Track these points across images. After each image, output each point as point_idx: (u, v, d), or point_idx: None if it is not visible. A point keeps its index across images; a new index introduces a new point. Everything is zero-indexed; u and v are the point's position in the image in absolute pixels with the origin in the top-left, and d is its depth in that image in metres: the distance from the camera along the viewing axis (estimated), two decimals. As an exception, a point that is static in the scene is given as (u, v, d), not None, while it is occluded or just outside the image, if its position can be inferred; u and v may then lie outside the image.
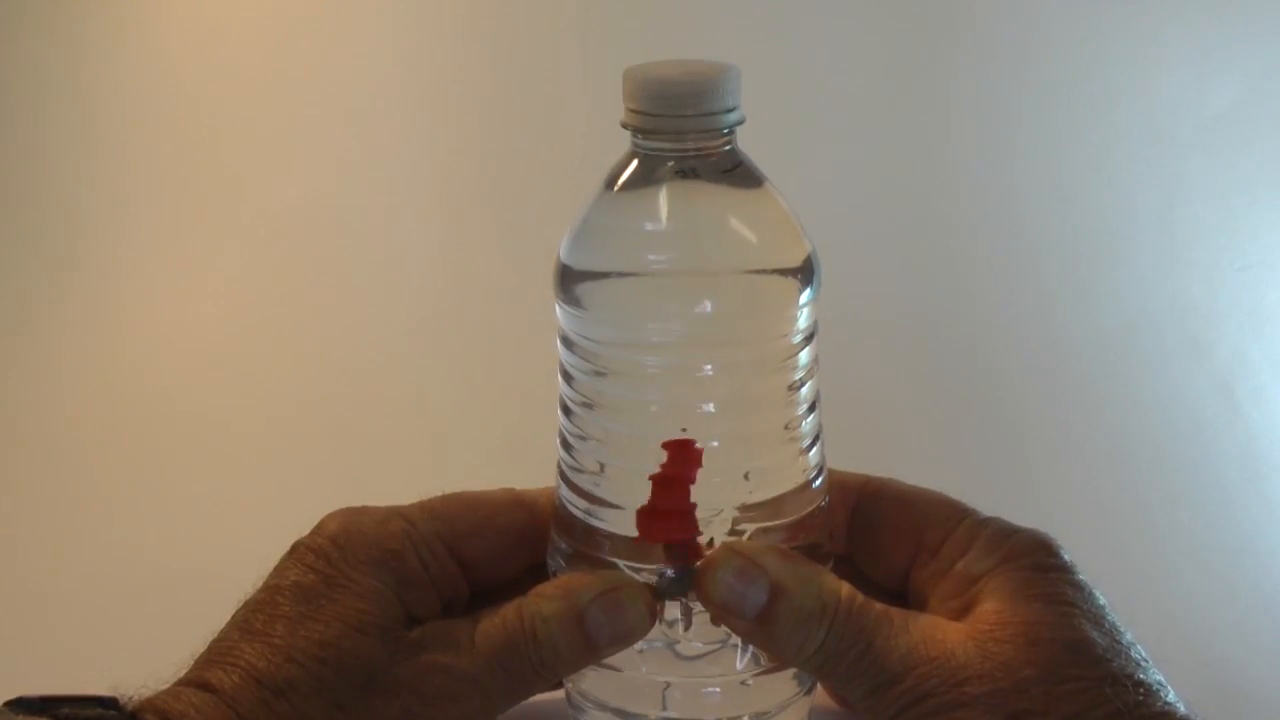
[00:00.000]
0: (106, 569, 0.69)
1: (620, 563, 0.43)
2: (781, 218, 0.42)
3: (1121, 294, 0.89)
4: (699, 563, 0.42)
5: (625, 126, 0.41)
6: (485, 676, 0.41)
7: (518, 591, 0.43)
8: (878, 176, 0.92)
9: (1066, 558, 0.43)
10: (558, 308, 0.43)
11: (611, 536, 0.43)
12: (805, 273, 0.42)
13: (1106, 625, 0.41)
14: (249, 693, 0.39)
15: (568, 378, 0.44)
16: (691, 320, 0.41)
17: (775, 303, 0.42)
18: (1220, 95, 0.92)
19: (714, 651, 0.43)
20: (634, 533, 0.42)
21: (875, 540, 0.46)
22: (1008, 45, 0.95)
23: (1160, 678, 0.40)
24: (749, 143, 0.42)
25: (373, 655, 0.41)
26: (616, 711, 0.44)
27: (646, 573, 0.42)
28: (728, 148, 0.41)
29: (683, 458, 0.41)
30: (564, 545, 0.44)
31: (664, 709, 0.44)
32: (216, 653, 0.41)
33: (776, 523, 0.43)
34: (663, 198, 0.42)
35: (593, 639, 0.42)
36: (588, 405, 0.43)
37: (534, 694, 0.43)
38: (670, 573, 0.42)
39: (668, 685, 0.44)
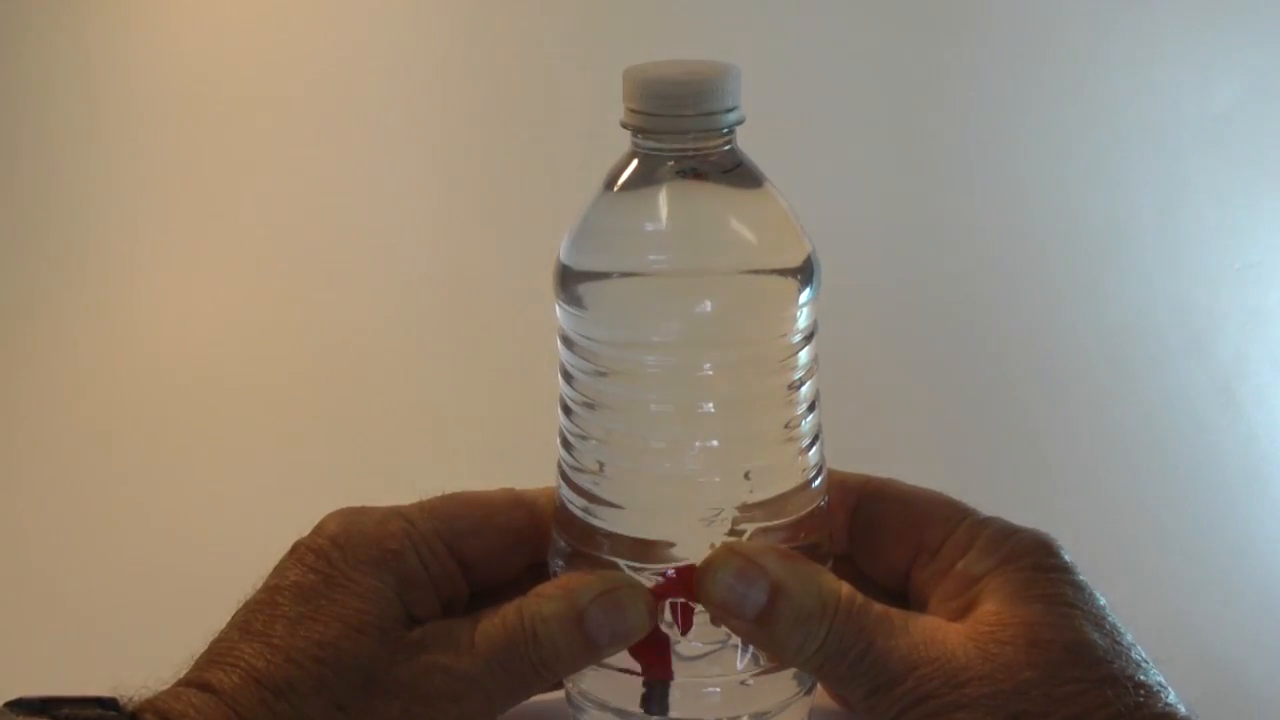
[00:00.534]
0: (106, 569, 0.69)
1: (621, 562, 0.43)
2: (781, 218, 0.42)
3: (1122, 294, 0.89)
4: (699, 563, 0.42)
5: (625, 126, 0.41)
6: (485, 677, 0.41)
7: (518, 591, 0.43)
8: (877, 176, 0.92)
9: (1067, 558, 0.43)
10: (558, 308, 0.43)
11: (611, 536, 0.43)
12: (805, 273, 0.42)
13: (1107, 626, 0.41)
14: (249, 693, 0.39)
15: (568, 377, 0.44)
16: (691, 320, 0.41)
17: (775, 302, 0.42)
18: (1221, 96, 0.92)
19: (714, 652, 0.43)
20: (633, 532, 0.42)
21: (875, 540, 0.46)
22: (1008, 46, 0.95)
23: (1161, 678, 0.40)
24: (749, 143, 0.42)
25: (372, 655, 0.40)
26: (616, 711, 0.44)
27: (647, 573, 0.42)
28: (727, 147, 0.41)
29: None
30: (565, 544, 0.44)
31: (664, 709, 0.44)
32: (216, 653, 0.41)
33: (776, 522, 0.43)
34: (663, 198, 0.42)
35: (593, 639, 0.42)
36: (588, 405, 0.43)
37: (534, 694, 0.43)
38: (671, 571, 0.42)
39: (672, 685, 0.44)
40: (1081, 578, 0.42)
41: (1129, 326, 0.86)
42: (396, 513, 0.45)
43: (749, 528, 0.42)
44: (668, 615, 0.43)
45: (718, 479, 0.42)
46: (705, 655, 0.43)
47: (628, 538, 0.42)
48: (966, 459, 0.77)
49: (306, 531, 0.44)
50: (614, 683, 0.44)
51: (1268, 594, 0.67)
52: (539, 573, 0.46)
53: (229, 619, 0.42)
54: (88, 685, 0.39)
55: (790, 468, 0.43)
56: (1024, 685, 0.39)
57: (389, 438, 0.79)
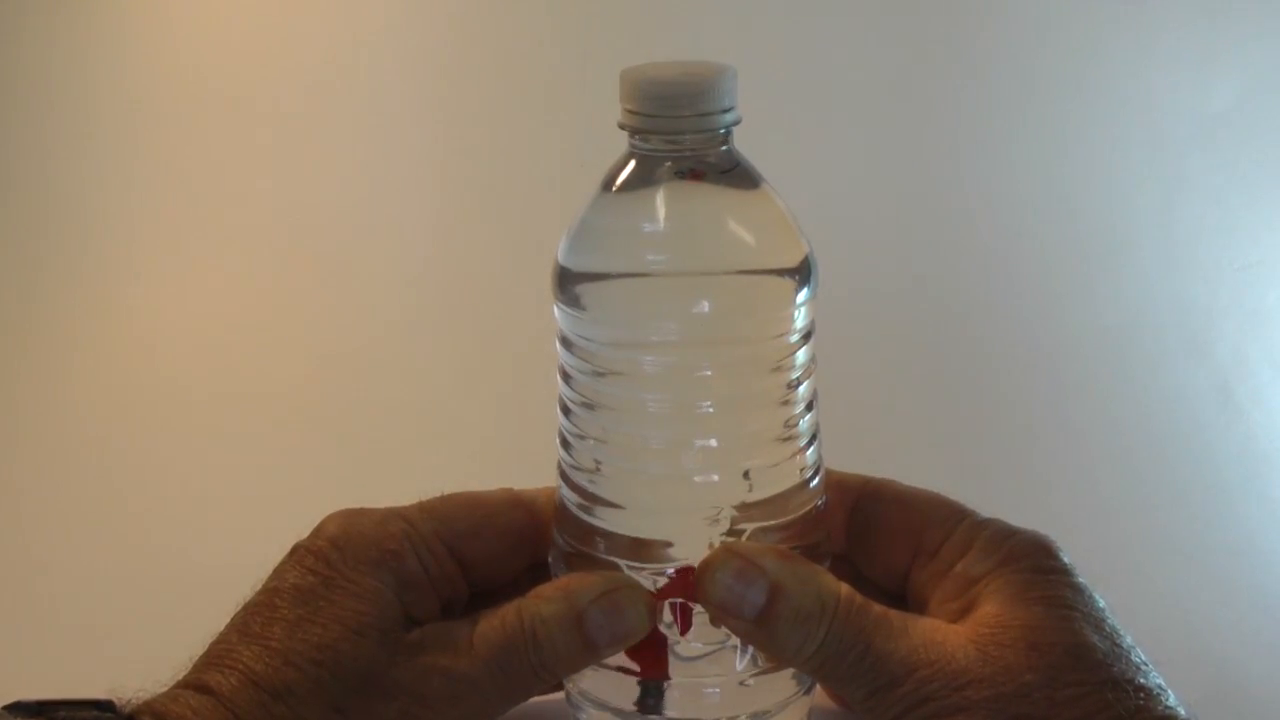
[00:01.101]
0: (105, 571, 0.69)
1: (620, 562, 0.43)
2: (779, 218, 0.42)
3: (1122, 294, 0.89)
4: (698, 564, 0.42)
5: (622, 127, 0.41)
6: (484, 678, 0.41)
7: (517, 592, 0.43)
8: (876, 177, 0.92)
9: (1066, 559, 0.43)
10: (556, 308, 0.43)
11: (610, 535, 0.43)
12: (802, 272, 0.42)
13: (1107, 629, 0.41)
14: (247, 695, 0.39)
15: (567, 378, 0.44)
16: (689, 320, 0.41)
17: (773, 302, 0.42)
18: (1220, 95, 0.92)
19: (713, 652, 0.43)
20: (633, 532, 0.42)
21: (874, 541, 0.46)
22: (1007, 46, 0.95)
23: (1161, 681, 0.40)
24: (746, 143, 0.42)
25: (371, 658, 0.40)
26: (615, 711, 0.44)
27: (646, 573, 0.42)
28: (725, 148, 0.41)
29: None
30: (565, 544, 0.44)
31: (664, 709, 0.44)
32: (215, 655, 0.41)
33: (775, 522, 0.43)
34: (660, 198, 0.42)
35: (592, 640, 0.42)
36: (587, 405, 0.43)
37: (534, 695, 0.43)
38: (670, 572, 0.42)
39: (667, 685, 0.44)
40: (1081, 579, 0.42)
41: (1128, 326, 0.87)
42: (396, 514, 0.45)
43: (748, 527, 0.42)
44: (667, 616, 0.43)
45: (716, 478, 0.42)
46: (704, 656, 0.43)
47: (627, 537, 0.42)
48: (965, 459, 0.77)
49: (306, 533, 0.44)
50: (613, 682, 0.44)
51: (1266, 594, 0.67)
52: (539, 573, 0.46)
53: (228, 621, 0.42)
54: (86, 688, 0.39)
55: (788, 467, 0.43)
56: (1025, 688, 0.38)
57: (388, 438, 0.79)
